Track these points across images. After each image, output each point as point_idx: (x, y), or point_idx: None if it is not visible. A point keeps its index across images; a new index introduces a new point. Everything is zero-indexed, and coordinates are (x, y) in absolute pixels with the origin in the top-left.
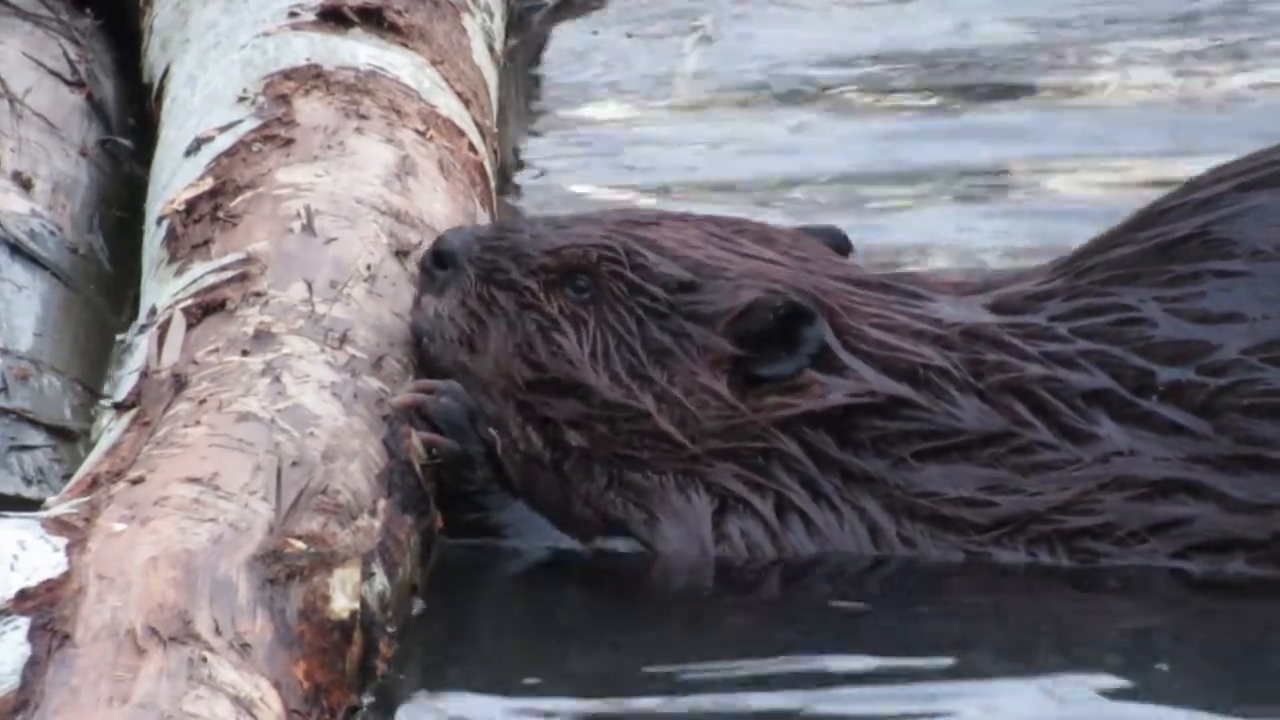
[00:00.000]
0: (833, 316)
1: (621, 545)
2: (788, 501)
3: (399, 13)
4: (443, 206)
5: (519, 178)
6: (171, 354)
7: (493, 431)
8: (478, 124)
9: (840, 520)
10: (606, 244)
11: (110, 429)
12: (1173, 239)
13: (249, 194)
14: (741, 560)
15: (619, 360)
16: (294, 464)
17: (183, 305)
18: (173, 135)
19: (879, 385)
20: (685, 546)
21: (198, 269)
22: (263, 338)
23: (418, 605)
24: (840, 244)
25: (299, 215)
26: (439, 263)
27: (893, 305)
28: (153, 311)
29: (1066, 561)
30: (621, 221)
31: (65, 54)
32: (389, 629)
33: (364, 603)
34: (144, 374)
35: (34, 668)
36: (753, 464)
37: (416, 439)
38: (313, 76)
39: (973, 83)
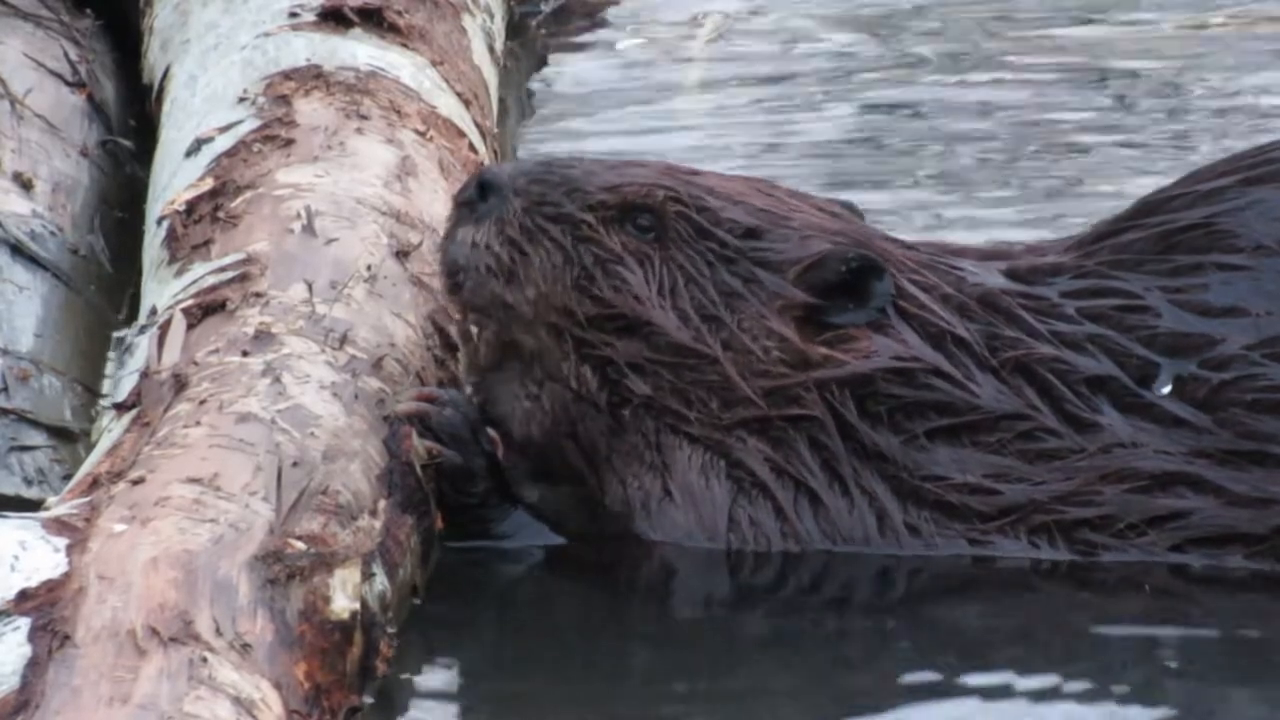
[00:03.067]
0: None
1: (621, 546)
2: (804, 487)
3: (399, 13)
4: (443, 207)
5: None
6: (172, 354)
7: (492, 433)
8: (478, 124)
9: (851, 507)
10: (669, 185)
11: (111, 429)
12: (1175, 228)
13: (249, 194)
14: (745, 555)
15: (689, 300)
16: (294, 464)
17: (183, 306)
18: (173, 136)
19: (921, 353)
20: (690, 533)
21: (198, 269)
22: (263, 338)
23: (417, 605)
24: (854, 215)
25: (299, 216)
26: (481, 193)
27: (924, 265)
28: (153, 312)
29: (1066, 553)
30: (669, 168)
31: (66, 55)
32: (389, 629)
33: (364, 603)
34: (144, 374)
35: (35, 668)
36: (781, 440)
37: (417, 439)
38: (313, 77)
39: None
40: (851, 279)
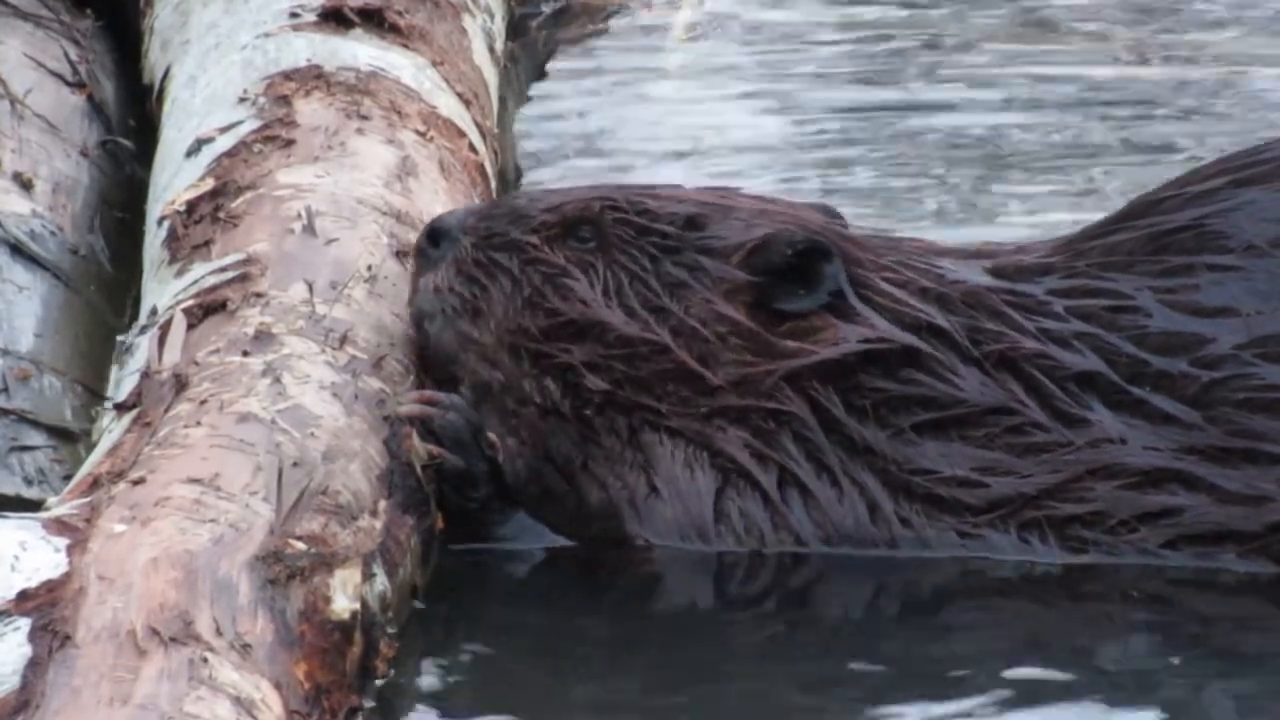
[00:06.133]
0: (845, 265)
1: (621, 549)
2: (790, 476)
3: (400, 13)
4: (443, 207)
5: (519, 178)
6: (172, 355)
7: (493, 437)
8: (478, 125)
9: (841, 497)
10: (607, 195)
11: (111, 430)
12: (1166, 229)
13: (250, 195)
14: (744, 558)
15: (633, 295)
16: (295, 464)
17: (183, 306)
18: (173, 136)
19: (890, 334)
20: (680, 528)
21: (198, 270)
22: (263, 338)
23: (418, 606)
24: (833, 218)
25: (300, 216)
26: (433, 240)
27: (899, 261)
28: (153, 312)
29: (1057, 549)
30: (616, 185)
31: (66, 55)
32: (389, 630)
33: (364, 603)
34: (145, 375)
35: (35, 668)
36: (762, 429)
37: (417, 440)
38: (313, 77)
39: None
40: (799, 262)
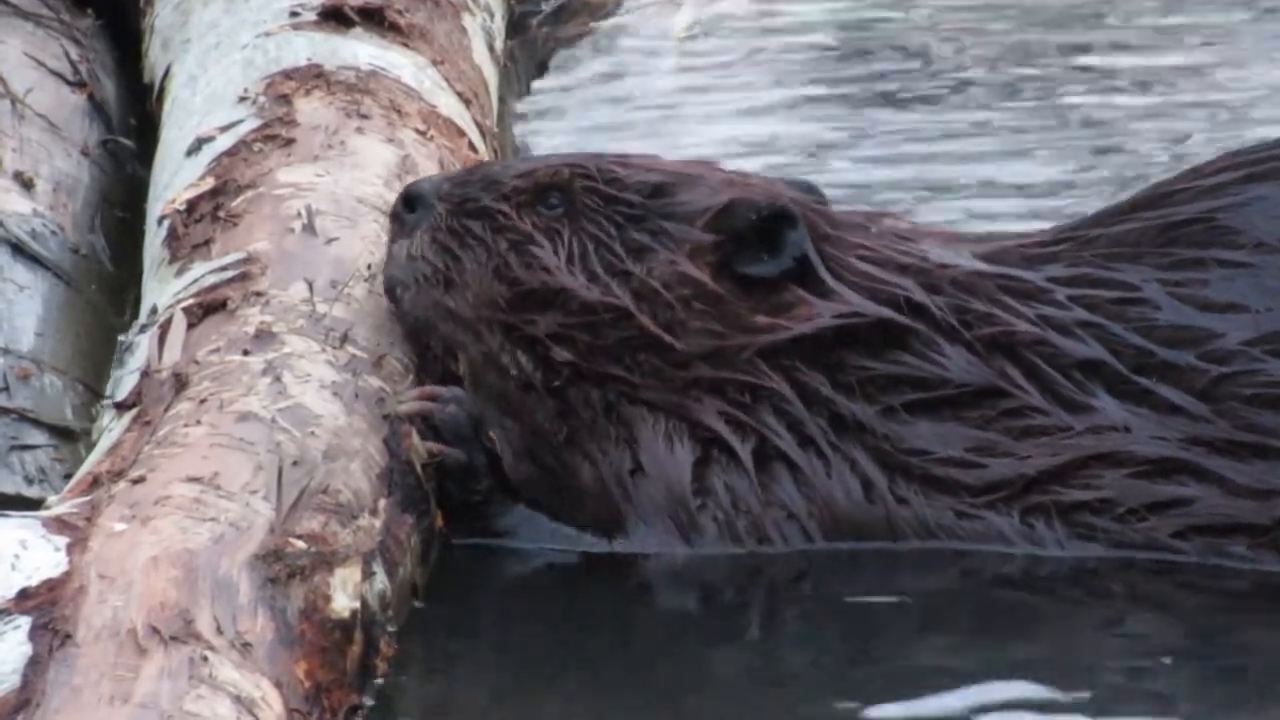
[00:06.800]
0: (817, 241)
1: (621, 545)
2: (772, 447)
3: (400, 12)
4: None
5: None
6: (172, 353)
7: (493, 436)
8: (478, 124)
9: (829, 468)
10: (578, 162)
11: (111, 428)
12: (1176, 221)
13: (250, 194)
14: (748, 557)
15: (596, 261)
16: (295, 463)
17: (184, 305)
18: (174, 135)
19: (864, 309)
20: (667, 507)
21: (199, 269)
22: (264, 337)
23: (418, 605)
24: (814, 196)
25: (300, 215)
26: (408, 206)
27: (878, 241)
28: (154, 311)
29: (1063, 536)
30: (591, 153)
31: (66, 54)
32: (390, 628)
33: (365, 602)
34: (145, 373)
35: (35, 667)
36: (739, 401)
37: (416, 438)
38: (314, 76)
39: None
40: (764, 227)
